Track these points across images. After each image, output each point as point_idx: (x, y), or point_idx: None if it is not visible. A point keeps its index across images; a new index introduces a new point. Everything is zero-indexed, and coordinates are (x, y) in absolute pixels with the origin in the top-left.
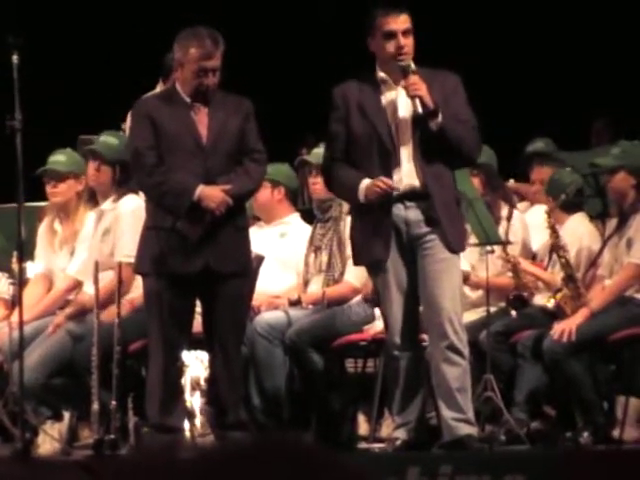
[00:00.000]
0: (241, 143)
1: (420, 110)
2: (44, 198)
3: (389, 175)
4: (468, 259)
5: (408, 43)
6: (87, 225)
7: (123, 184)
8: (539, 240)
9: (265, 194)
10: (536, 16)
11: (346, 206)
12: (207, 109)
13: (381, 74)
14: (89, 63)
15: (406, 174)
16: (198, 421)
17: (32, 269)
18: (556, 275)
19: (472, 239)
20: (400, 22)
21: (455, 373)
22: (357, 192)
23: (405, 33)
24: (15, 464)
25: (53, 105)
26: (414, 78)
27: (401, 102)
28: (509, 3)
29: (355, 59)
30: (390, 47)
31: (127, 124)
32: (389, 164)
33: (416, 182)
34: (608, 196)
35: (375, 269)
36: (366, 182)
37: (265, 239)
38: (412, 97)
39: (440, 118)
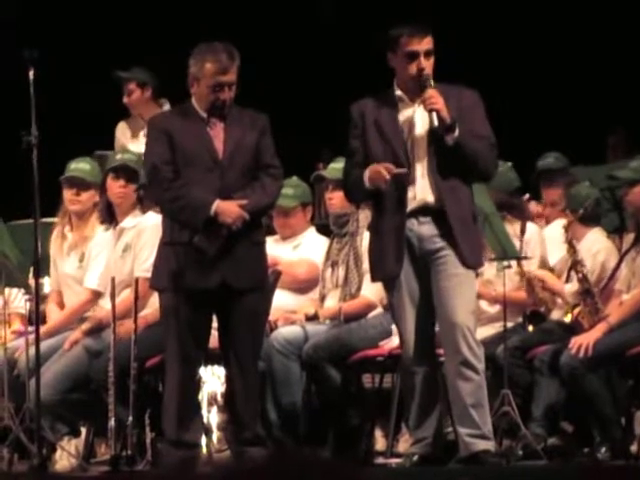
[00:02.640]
0: (257, 158)
1: (436, 123)
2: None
3: (404, 191)
4: (486, 274)
5: (429, 65)
6: (101, 237)
7: (146, 201)
8: (557, 255)
9: (299, 218)
10: (550, 32)
11: (363, 221)
12: (223, 124)
13: (398, 92)
14: (100, 80)
15: (420, 190)
16: (215, 436)
17: (48, 284)
18: (572, 286)
19: (489, 254)
20: (424, 43)
21: (469, 389)
22: (362, 182)
23: (427, 54)
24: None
25: (66, 120)
26: (431, 92)
27: (417, 119)
28: (521, 17)
29: (372, 75)
30: (412, 68)
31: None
32: (404, 180)
33: (430, 197)
34: (625, 210)
35: (389, 285)
36: (369, 170)
37: (279, 253)
38: (429, 111)
39: (457, 133)
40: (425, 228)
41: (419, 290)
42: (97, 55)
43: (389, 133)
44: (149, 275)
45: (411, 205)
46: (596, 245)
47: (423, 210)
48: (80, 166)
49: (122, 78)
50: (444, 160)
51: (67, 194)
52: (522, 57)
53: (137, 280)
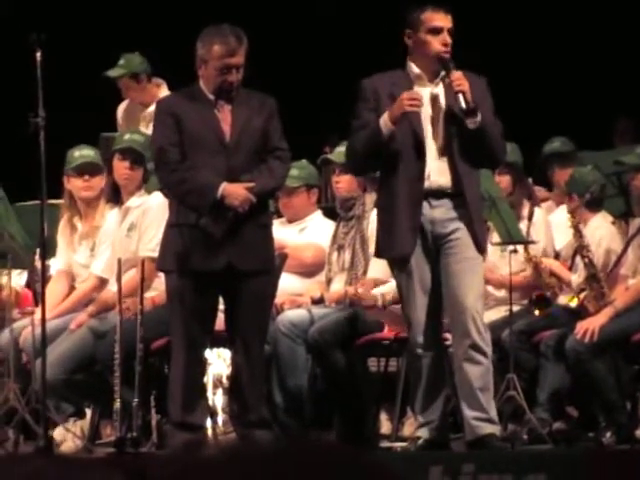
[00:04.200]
0: (264, 141)
1: (464, 106)
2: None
3: (419, 170)
4: (490, 258)
5: (450, 42)
6: (108, 222)
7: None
8: (563, 240)
9: (302, 199)
10: (557, 16)
11: (369, 204)
12: (231, 107)
13: (416, 69)
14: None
15: (435, 170)
16: (220, 419)
17: (54, 265)
18: (577, 276)
19: (495, 238)
20: (448, 21)
21: (477, 372)
22: (379, 129)
23: (449, 32)
24: (43, 461)
25: (72, 102)
26: (458, 74)
27: (434, 98)
28: (528, 1)
29: (381, 58)
30: (436, 42)
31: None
32: (419, 159)
33: (444, 179)
34: (632, 195)
35: (399, 264)
36: (386, 113)
37: (285, 236)
38: (456, 92)
39: (479, 117)
40: (438, 212)
41: (430, 274)
42: (101, 38)
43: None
44: (154, 255)
45: (425, 184)
46: (599, 231)
47: (436, 193)
48: (85, 152)
49: (113, 78)
50: (462, 143)
51: (77, 182)
52: (529, 41)
53: (143, 260)
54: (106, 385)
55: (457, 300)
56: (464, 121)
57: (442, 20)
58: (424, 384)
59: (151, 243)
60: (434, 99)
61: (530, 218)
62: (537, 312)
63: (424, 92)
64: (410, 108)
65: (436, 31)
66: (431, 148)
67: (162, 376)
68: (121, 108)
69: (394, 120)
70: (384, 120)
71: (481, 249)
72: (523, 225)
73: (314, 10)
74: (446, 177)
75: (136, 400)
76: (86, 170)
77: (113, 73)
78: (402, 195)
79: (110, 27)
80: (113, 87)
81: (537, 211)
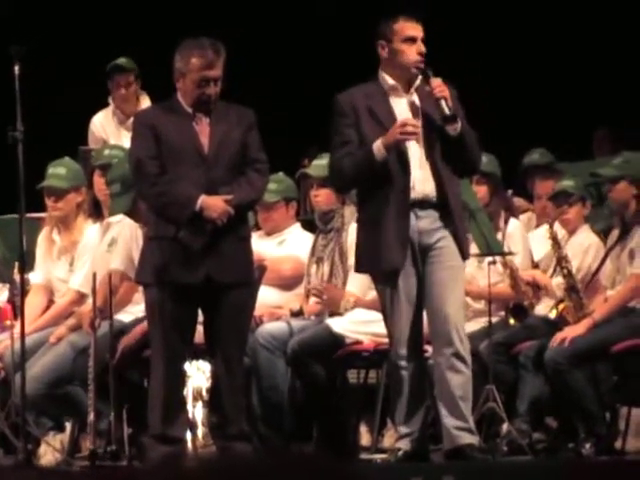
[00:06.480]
0: (243, 153)
1: (447, 111)
2: (45, 209)
3: (404, 182)
4: (467, 269)
5: (424, 51)
6: (87, 237)
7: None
8: (543, 251)
9: (281, 213)
10: (537, 25)
11: (348, 217)
12: (209, 119)
13: (390, 81)
14: (89, 72)
15: (419, 180)
16: (200, 432)
17: (33, 279)
18: (554, 280)
19: (473, 249)
20: (420, 30)
21: (459, 381)
22: (372, 155)
23: (422, 40)
24: (25, 473)
25: (53, 115)
26: (437, 81)
27: (412, 108)
28: (509, 13)
29: (358, 68)
30: (411, 51)
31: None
32: (402, 169)
33: (429, 189)
34: (610, 206)
35: (386, 277)
36: (380, 139)
37: (264, 249)
38: (437, 99)
39: (459, 123)
40: (424, 222)
41: (415, 286)
42: (80, 51)
43: (386, 121)
44: (121, 268)
45: (410, 195)
46: (587, 241)
47: (421, 202)
48: (57, 171)
49: (125, 69)
50: (442, 151)
51: (47, 201)
52: (508, 53)
53: (110, 273)
54: (85, 399)
55: (440, 308)
56: (444, 128)
57: (415, 29)
58: (406, 396)
59: (120, 257)
60: (412, 108)
61: (506, 222)
62: (512, 321)
63: (402, 101)
64: (402, 136)
65: (411, 40)
66: (413, 158)
67: (137, 389)
68: (98, 119)
69: (388, 147)
70: (377, 147)
71: (464, 256)
72: (500, 236)
73: (298, 23)
74: (430, 186)
75: (112, 414)
76: (52, 192)
77: (127, 64)
78: (389, 208)
79: (90, 39)
80: (92, 99)
81: (513, 222)
